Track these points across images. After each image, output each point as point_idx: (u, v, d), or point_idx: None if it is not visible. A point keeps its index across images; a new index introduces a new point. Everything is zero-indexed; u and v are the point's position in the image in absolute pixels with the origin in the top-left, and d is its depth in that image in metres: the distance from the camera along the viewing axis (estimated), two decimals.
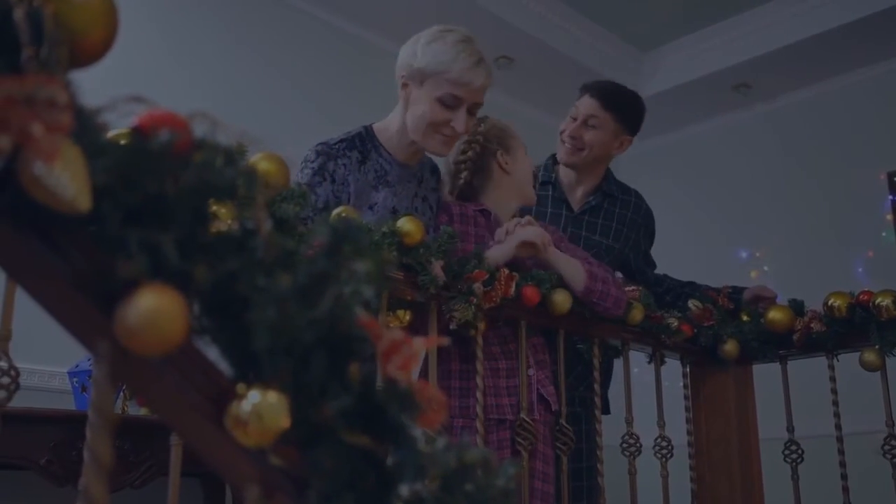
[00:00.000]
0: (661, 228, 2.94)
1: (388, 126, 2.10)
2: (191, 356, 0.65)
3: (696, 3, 4.55)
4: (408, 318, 1.89)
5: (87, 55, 0.63)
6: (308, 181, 1.95)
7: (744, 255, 4.92)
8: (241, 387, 0.66)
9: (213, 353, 0.70)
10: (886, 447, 2.25)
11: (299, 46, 4.04)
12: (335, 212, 1.71)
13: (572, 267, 2.01)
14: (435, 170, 2.23)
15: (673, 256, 3.04)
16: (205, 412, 0.65)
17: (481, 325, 1.91)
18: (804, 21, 4.45)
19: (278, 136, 3.22)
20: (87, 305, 0.61)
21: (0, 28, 0.56)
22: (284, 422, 0.65)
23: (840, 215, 4.58)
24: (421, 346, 0.72)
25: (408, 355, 0.69)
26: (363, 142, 2.06)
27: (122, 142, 0.59)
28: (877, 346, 2.24)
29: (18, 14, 0.56)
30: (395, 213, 2.05)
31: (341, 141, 2.04)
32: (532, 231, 1.95)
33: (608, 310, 2.06)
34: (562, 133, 2.59)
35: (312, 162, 1.98)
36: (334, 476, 0.70)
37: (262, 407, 0.64)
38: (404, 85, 2.02)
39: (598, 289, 2.02)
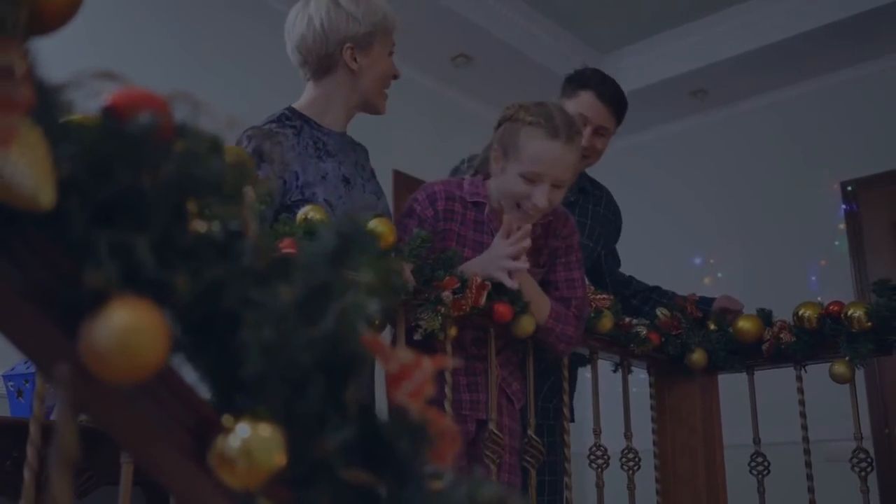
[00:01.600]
0: None
1: (311, 101, 2.04)
2: (168, 381, 0.55)
3: (657, 7, 4.52)
4: (377, 323, 1.78)
5: (50, 20, 0.52)
6: None
7: (697, 261, 4.92)
8: (227, 419, 0.56)
9: (190, 374, 0.60)
10: (854, 460, 2.22)
11: (269, 42, 3.91)
12: (301, 212, 1.60)
13: (541, 302, 1.91)
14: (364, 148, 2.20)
15: (626, 261, 2.98)
16: (184, 448, 0.55)
17: (451, 331, 1.82)
18: (762, 29, 4.46)
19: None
20: (45, 321, 0.51)
21: None
22: (279, 459, 0.55)
23: (794, 224, 4.60)
24: (431, 369, 0.63)
25: (421, 381, 0.60)
26: (291, 119, 1.99)
27: (92, 125, 0.49)
28: (847, 358, 2.21)
29: None
30: (347, 183, 1.99)
31: (270, 122, 1.96)
32: (519, 268, 1.84)
33: (557, 349, 1.98)
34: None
35: (246, 147, 1.87)
36: None
37: (252, 443, 0.54)
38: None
39: (557, 329, 1.93)
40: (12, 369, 2.43)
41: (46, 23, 0.52)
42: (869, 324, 2.16)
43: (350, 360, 0.60)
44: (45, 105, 0.47)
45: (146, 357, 0.49)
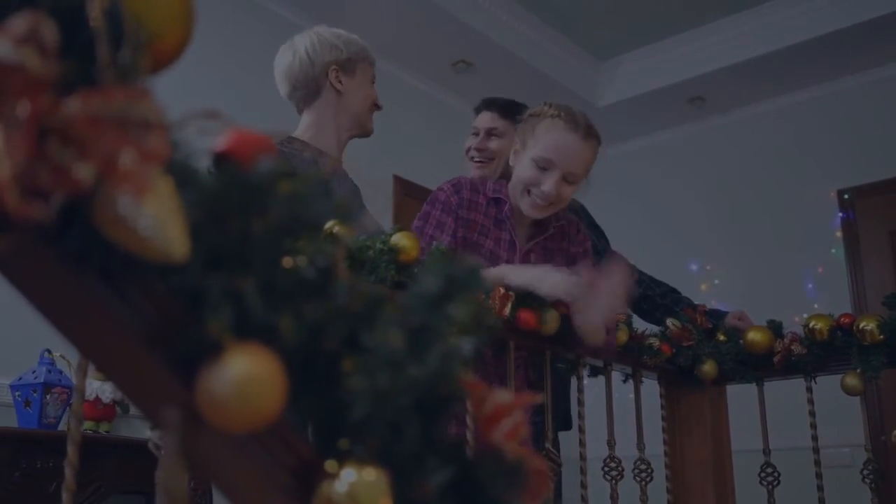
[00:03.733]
0: (612, 240, 2.91)
1: (305, 129, 2.08)
2: (277, 428, 0.54)
3: (655, 15, 4.54)
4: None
5: (162, 61, 0.52)
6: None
7: (694, 267, 4.94)
8: (330, 464, 0.55)
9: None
10: (866, 471, 2.23)
11: (264, 45, 3.89)
12: (327, 225, 1.59)
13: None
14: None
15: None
16: (290, 493, 0.54)
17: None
18: (760, 37, 4.48)
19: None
20: (160, 368, 0.50)
21: (69, 27, 0.45)
22: (385, 503, 0.55)
23: (791, 231, 4.62)
24: (524, 409, 0.63)
25: (518, 422, 0.60)
26: (292, 144, 2.01)
27: (215, 172, 0.48)
28: (858, 370, 2.22)
29: (94, 9, 0.45)
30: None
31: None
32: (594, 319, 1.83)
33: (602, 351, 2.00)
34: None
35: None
36: None
37: (359, 487, 0.54)
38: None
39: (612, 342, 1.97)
40: (19, 379, 2.41)
41: (157, 65, 0.52)
42: (881, 337, 2.18)
43: (447, 400, 0.60)
44: (174, 153, 0.46)
45: (264, 406, 0.49)
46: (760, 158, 4.85)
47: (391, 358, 0.53)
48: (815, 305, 4.20)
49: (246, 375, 0.48)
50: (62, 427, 2.39)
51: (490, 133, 2.56)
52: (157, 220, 0.43)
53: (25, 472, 2.23)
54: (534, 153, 1.90)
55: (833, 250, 4.49)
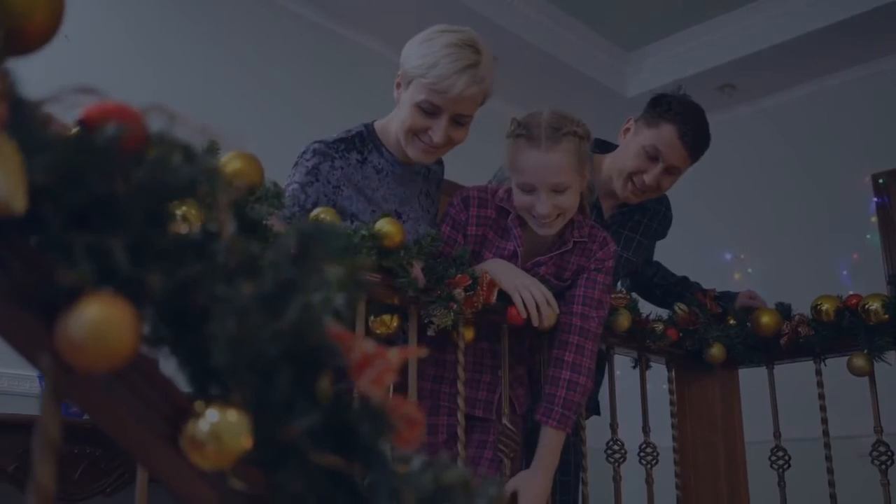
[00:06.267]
0: None
1: (388, 125, 2.01)
2: (144, 371, 0.60)
3: (681, 2, 4.52)
4: (395, 323, 1.82)
5: (28, 42, 0.57)
6: (301, 180, 1.89)
7: (728, 256, 4.89)
8: (199, 405, 0.60)
9: (170, 367, 0.65)
10: (875, 453, 2.21)
11: (274, 42, 3.98)
12: (313, 213, 1.66)
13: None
14: (439, 159, 2.14)
15: (657, 257, 2.99)
16: (160, 433, 0.60)
17: (468, 334, 1.87)
18: (789, 21, 4.43)
19: (251, 134, 3.17)
20: (28, 318, 0.55)
21: None
22: (246, 442, 0.60)
23: (825, 218, 4.56)
24: (397, 358, 0.67)
25: (382, 369, 0.64)
26: (363, 141, 1.99)
27: (64, 136, 0.53)
28: (865, 351, 2.20)
29: None
30: (398, 217, 1.96)
31: (340, 141, 1.96)
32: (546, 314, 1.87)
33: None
34: (633, 173, 2.32)
35: (308, 161, 1.91)
36: (302, 499, 0.64)
37: (220, 427, 0.59)
38: (398, 85, 1.95)
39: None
40: None
41: (26, 43, 0.57)
42: (886, 316, 2.16)
43: (317, 350, 0.65)
44: (21, 120, 0.52)
45: (117, 348, 0.54)
46: (792, 145, 4.79)
47: (243, 307, 0.57)
48: (851, 293, 4.12)
49: (97, 318, 0.53)
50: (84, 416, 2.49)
51: (670, 169, 2.36)
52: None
53: None
54: (515, 180, 1.89)
55: (868, 236, 4.42)
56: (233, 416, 0.59)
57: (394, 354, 0.67)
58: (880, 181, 4.42)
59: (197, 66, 3.66)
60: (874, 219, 4.41)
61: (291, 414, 0.63)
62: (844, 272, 4.40)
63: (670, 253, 4.50)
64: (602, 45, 4.84)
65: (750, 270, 4.75)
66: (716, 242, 4.92)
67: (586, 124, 1.92)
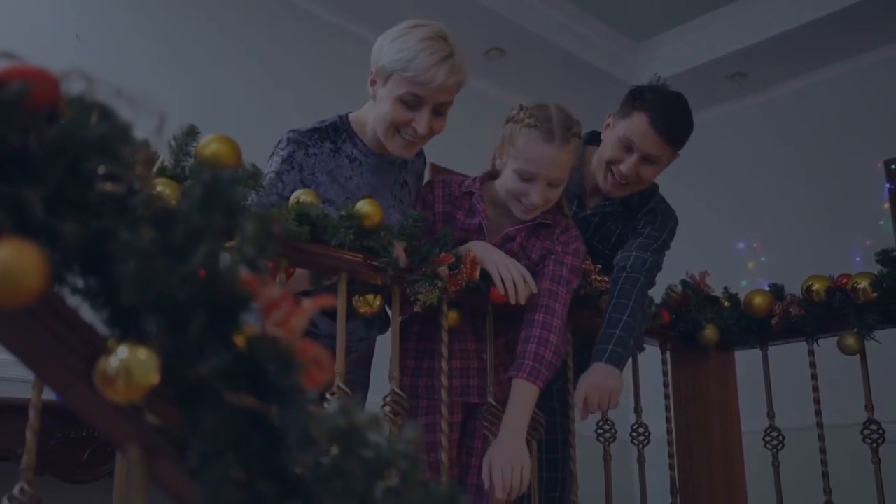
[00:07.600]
0: None
1: (363, 118, 2.06)
2: (63, 315, 0.65)
3: None
4: (378, 302, 1.87)
5: None
6: (277, 168, 1.94)
7: (741, 245, 4.89)
8: (111, 343, 0.65)
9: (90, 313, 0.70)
10: (866, 431, 2.22)
11: (276, 34, 4.05)
12: (294, 195, 1.71)
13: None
14: (421, 151, 2.17)
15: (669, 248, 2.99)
16: (76, 370, 0.65)
17: (451, 316, 1.92)
18: (799, 9, 4.41)
19: (254, 123, 3.23)
20: None
21: None
22: (153, 378, 0.64)
23: (837, 204, 4.54)
24: (310, 305, 0.72)
25: (287, 311, 0.69)
26: (336, 131, 2.03)
27: None
28: (855, 330, 2.21)
29: None
30: None
31: (314, 130, 2.00)
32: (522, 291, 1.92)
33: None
34: (610, 163, 2.26)
35: (283, 149, 1.97)
36: (216, 436, 0.69)
37: (130, 362, 0.64)
38: (372, 82, 1.99)
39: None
40: None
41: None
42: (874, 294, 2.17)
43: (230, 297, 0.70)
44: None
45: (24, 286, 0.59)
46: (804, 132, 4.77)
47: (141, 250, 0.62)
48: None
49: (4, 258, 0.58)
50: None
51: (647, 157, 2.26)
52: None
53: (60, 440, 2.42)
54: (515, 165, 1.94)
55: (881, 222, 4.39)
56: (142, 353, 0.64)
57: (307, 302, 0.72)
58: (893, 167, 4.38)
59: (207, 62, 3.74)
60: (887, 205, 4.38)
61: (203, 355, 0.68)
62: (857, 258, 4.37)
63: (683, 241, 4.52)
64: (611, 35, 4.86)
65: (763, 259, 4.74)
66: (729, 231, 4.92)
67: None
